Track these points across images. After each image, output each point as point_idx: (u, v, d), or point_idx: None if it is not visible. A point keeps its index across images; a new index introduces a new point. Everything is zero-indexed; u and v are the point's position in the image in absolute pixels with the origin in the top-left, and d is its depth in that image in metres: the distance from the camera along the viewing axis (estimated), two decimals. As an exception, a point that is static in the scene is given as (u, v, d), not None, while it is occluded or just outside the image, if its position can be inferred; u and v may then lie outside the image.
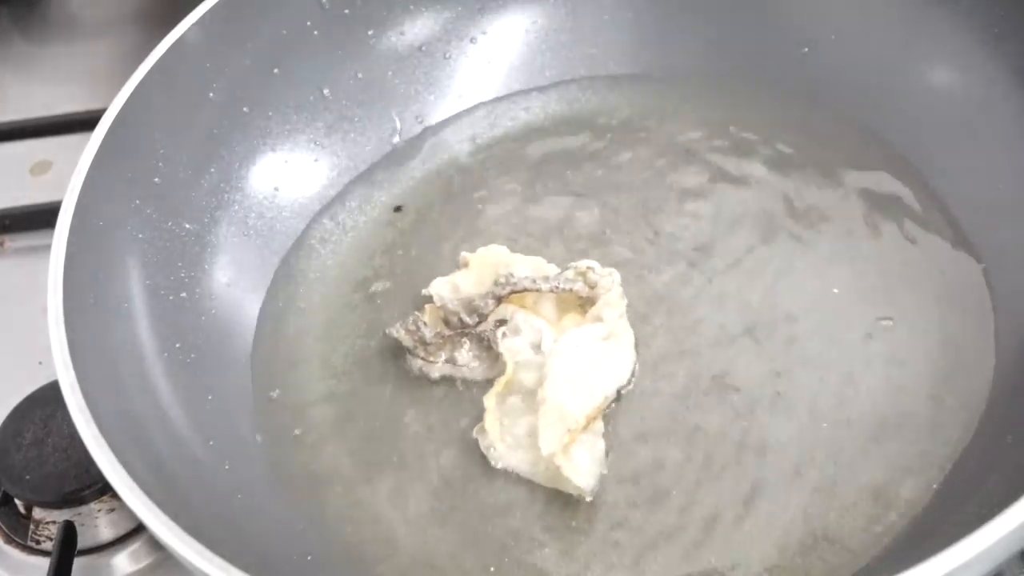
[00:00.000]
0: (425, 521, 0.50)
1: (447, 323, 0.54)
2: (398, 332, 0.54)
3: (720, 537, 0.47)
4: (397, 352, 0.56)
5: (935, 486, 0.48)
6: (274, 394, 0.55)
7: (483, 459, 0.51)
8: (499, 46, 0.66)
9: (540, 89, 0.66)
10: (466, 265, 0.57)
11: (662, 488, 0.49)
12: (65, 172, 0.52)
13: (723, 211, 0.59)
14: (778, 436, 0.50)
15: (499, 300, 0.54)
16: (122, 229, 0.54)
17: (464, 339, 0.54)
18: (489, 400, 0.52)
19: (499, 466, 0.51)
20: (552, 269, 0.56)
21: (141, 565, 0.56)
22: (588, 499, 0.49)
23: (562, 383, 0.51)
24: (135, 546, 0.56)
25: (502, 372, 0.52)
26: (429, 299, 0.56)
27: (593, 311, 0.54)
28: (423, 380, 0.54)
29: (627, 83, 0.66)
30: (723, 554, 0.47)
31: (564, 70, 0.66)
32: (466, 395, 0.54)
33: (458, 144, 0.65)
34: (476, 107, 0.66)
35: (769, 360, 0.53)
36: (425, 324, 0.54)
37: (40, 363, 0.61)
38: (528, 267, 0.56)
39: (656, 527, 0.48)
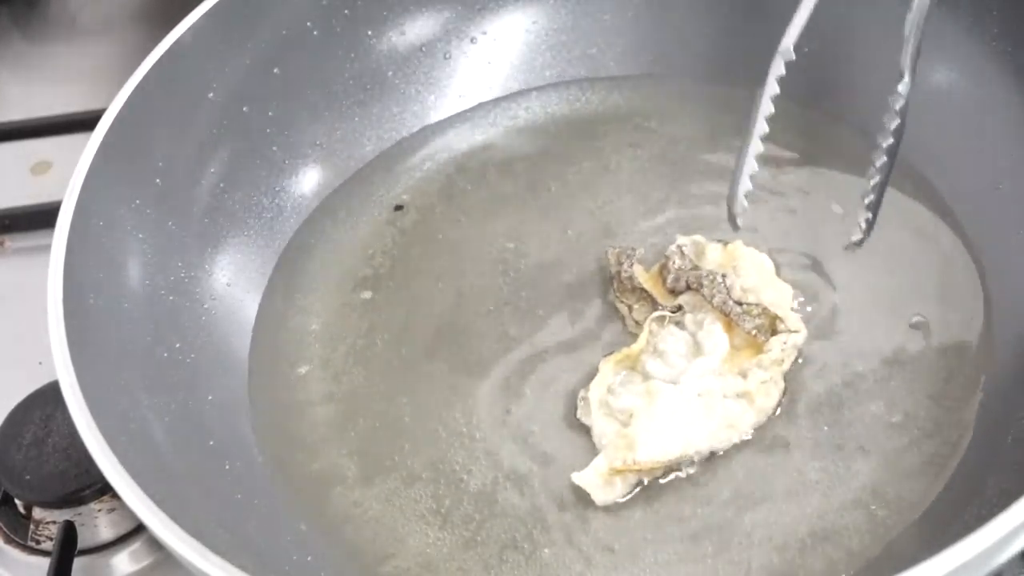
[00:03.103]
0: (425, 521, 0.50)
1: (662, 268, 0.54)
2: (612, 255, 0.55)
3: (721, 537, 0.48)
4: (397, 350, 0.56)
5: (935, 486, 0.48)
6: (274, 394, 0.55)
7: (486, 458, 0.51)
8: (499, 46, 0.66)
9: (540, 89, 0.66)
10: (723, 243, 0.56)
11: (662, 487, 0.49)
12: (65, 172, 0.52)
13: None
14: (779, 436, 0.50)
15: (687, 286, 0.53)
16: (122, 229, 0.54)
17: (645, 302, 0.54)
18: (606, 365, 0.52)
19: (580, 417, 0.51)
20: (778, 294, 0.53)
21: (141, 565, 0.56)
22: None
23: (658, 420, 0.49)
24: (135, 546, 0.56)
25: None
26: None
27: (744, 365, 0.51)
28: (423, 380, 0.55)
29: (627, 83, 0.66)
30: (724, 553, 0.47)
31: (564, 70, 0.66)
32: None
33: (458, 144, 0.65)
34: (476, 107, 0.66)
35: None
36: (633, 263, 0.54)
37: (40, 363, 0.61)
38: (754, 279, 0.54)
39: (656, 532, 0.48)
